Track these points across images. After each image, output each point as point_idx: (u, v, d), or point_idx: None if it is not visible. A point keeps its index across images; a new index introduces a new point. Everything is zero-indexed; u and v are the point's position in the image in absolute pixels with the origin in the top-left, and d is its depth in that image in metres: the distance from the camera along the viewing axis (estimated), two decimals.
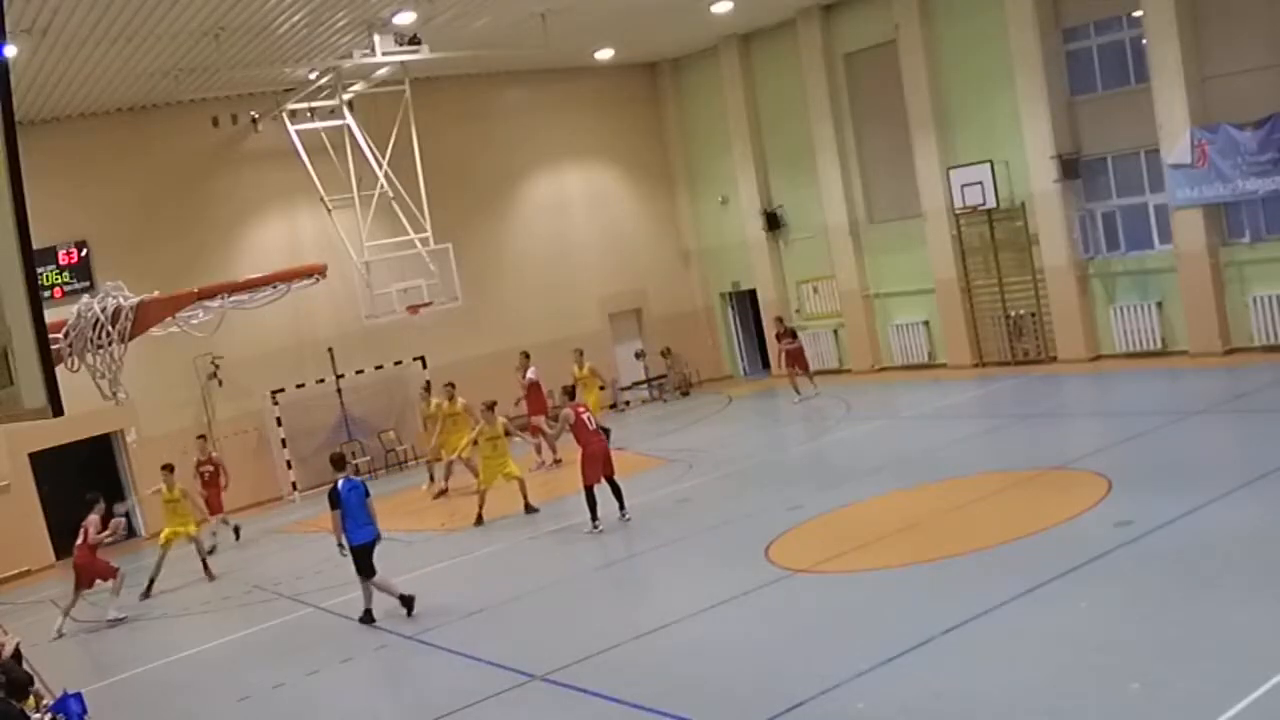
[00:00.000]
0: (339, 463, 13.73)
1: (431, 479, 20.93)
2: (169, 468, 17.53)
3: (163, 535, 17.31)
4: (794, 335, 23.65)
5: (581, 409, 15.86)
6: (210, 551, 18.08)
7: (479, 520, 17.23)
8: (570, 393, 16.70)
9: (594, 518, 15.22)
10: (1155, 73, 19.57)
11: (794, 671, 9.11)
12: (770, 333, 27.58)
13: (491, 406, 17.50)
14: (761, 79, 26.86)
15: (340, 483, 13.14)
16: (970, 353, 23.47)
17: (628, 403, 27.60)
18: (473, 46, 21.72)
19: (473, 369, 23.06)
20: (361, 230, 21.87)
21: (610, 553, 14.40)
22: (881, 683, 8.56)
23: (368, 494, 13.25)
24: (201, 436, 20.56)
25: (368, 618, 12.98)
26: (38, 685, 9.99)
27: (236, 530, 19.87)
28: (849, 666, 8.88)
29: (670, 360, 27.93)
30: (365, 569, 13.05)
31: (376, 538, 13.11)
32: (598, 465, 15.39)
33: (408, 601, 12.95)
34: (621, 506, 15.46)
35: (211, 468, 19.63)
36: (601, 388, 23.38)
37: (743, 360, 29.27)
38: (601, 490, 15.31)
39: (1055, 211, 21.44)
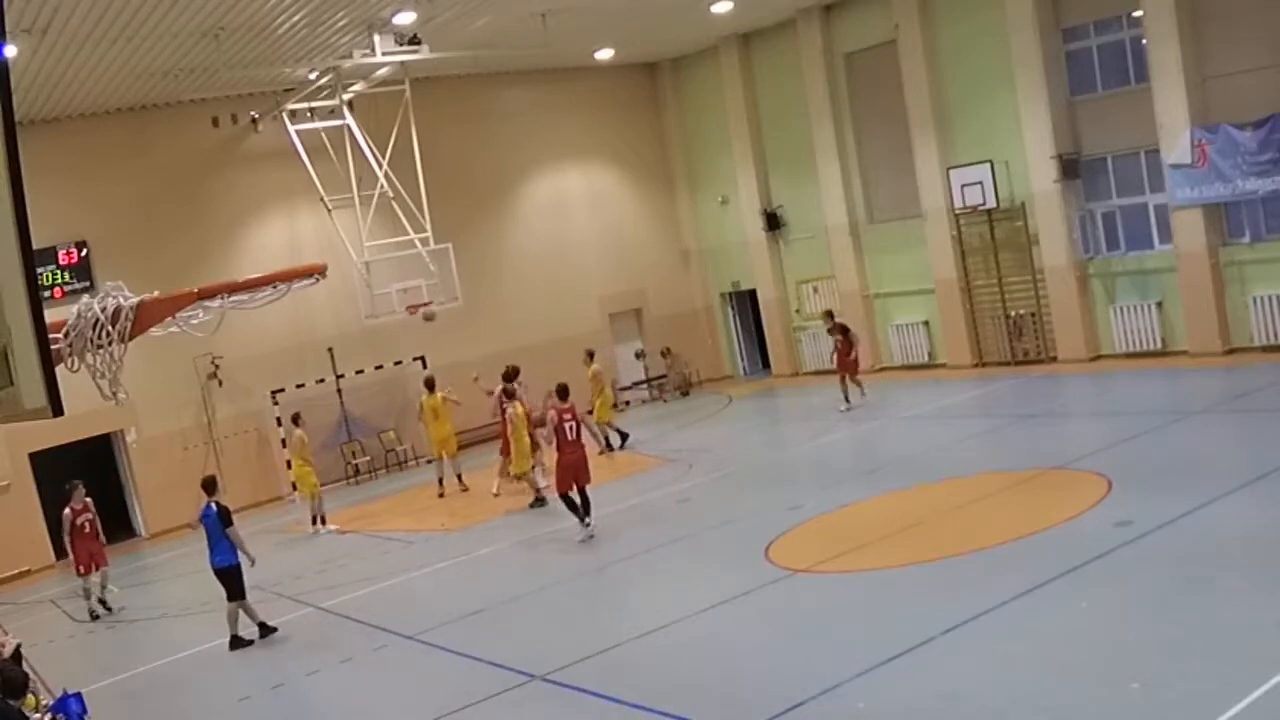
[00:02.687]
0: (205, 487, 13.85)
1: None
2: None
3: None
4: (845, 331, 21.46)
5: (565, 413, 15.16)
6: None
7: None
8: (561, 393, 15.71)
9: (581, 520, 14.95)
10: (1155, 73, 19.56)
11: (794, 671, 9.11)
12: (770, 331, 27.69)
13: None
14: (761, 79, 26.86)
15: (202, 508, 13.49)
16: (970, 353, 23.47)
17: (628, 403, 27.59)
18: (473, 46, 21.72)
19: (473, 369, 23.00)
20: (361, 230, 21.86)
21: (610, 553, 14.39)
22: (882, 683, 8.56)
23: (227, 522, 13.35)
24: (76, 483, 16.42)
25: (236, 643, 13.15)
26: (35, 684, 9.97)
27: (104, 598, 16.35)
28: (849, 666, 8.88)
29: (670, 360, 27.93)
30: (229, 593, 13.28)
31: (232, 565, 13.23)
32: (568, 475, 15.00)
33: (267, 630, 13.33)
34: (587, 513, 15.05)
35: (90, 516, 16.23)
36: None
37: (743, 360, 29.27)
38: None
39: (1055, 211, 21.43)
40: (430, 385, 20.76)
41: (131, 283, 13.99)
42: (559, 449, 15.14)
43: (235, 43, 18.55)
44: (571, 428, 15.07)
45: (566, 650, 10.62)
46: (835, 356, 21.51)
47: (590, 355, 22.41)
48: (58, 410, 4.14)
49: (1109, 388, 19.91)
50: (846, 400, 21.17)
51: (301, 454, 19.55)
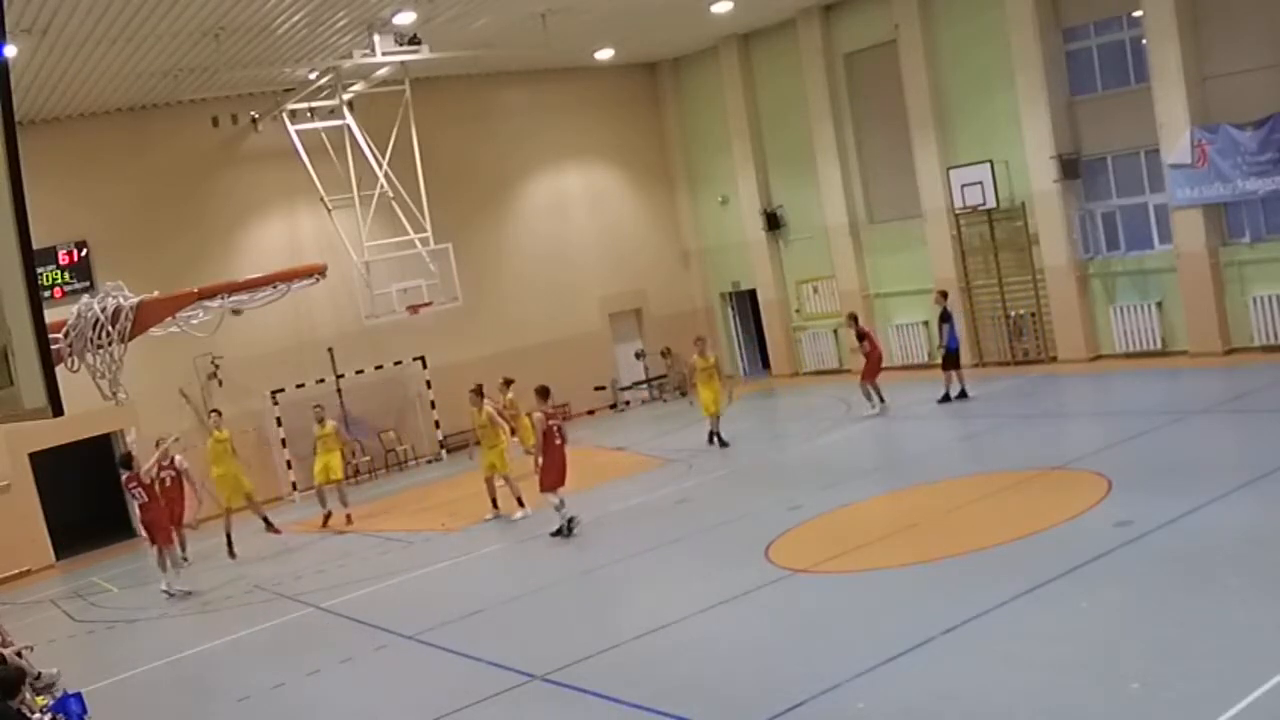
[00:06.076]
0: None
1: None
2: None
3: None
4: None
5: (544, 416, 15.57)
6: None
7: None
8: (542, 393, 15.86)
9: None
10: (1155, 73, 19.56)
11: (794, 671, 9.11)
12: (770, 331, 27.67)
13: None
14: (761, 79, 26.86)
15: None
16: (970, 353, 23.43)
17: (628, 403, 27.60)
18: (473, 46, 21.72)
19: (473, 369, 23.02)
20: (361, 230, 21.87)
21: (610, 552, 14.39)
22: (881, 683, 8.56)
23: None
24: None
25: None
26: (34, 684, 9.96)
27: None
28: (849, 666, 8.88)
29: (670, 360, 27.92)
30: None
31: None
32: None
33: None
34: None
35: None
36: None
37: (743, 360, 29.27)
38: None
39: (1055, 211, 21.44)
40: (321, 420, 20.23)
41: (131, 283, 13.97)
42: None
43: (235, 43, 18.55)
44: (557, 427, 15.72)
45: (566, 650, 10.61)
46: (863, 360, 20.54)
47: (507, 383, 20.24)
48: (58, 410, 4.12)
49: (1109, 388, 19.91)
50: (877, 401, 20.34)
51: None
